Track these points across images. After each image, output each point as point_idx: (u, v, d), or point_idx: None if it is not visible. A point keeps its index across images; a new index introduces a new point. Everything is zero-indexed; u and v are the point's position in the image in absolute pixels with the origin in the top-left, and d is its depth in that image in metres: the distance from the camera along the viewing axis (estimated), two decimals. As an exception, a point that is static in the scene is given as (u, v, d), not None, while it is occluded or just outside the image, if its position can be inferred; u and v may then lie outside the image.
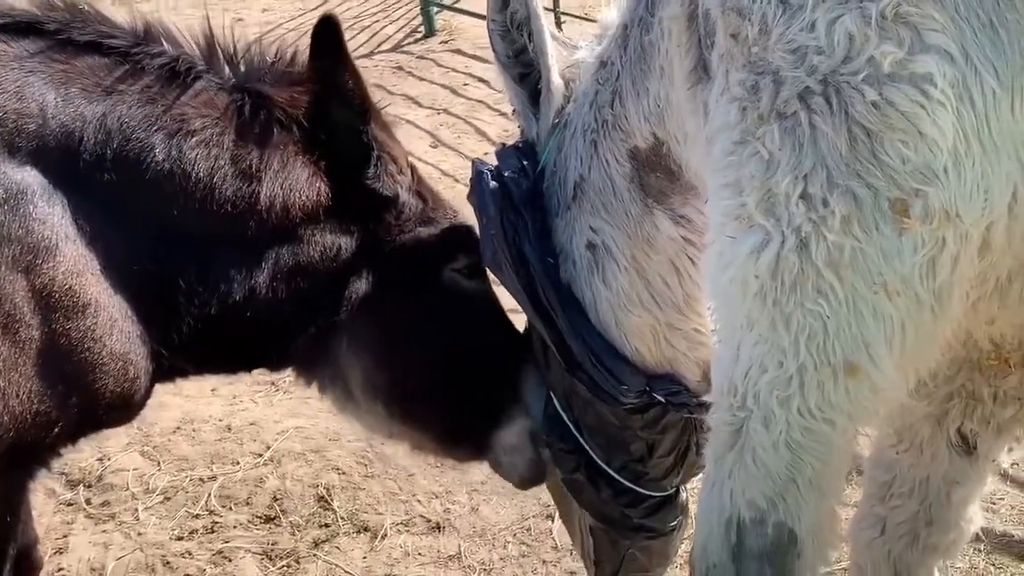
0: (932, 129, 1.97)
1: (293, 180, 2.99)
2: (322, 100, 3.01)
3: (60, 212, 2.73)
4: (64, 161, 2.78)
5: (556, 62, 2.98)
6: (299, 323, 3.10)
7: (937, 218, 2.00)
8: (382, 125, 3.18)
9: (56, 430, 2.85)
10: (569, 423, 3.11)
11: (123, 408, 3.03)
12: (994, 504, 4.41)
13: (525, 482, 3.42)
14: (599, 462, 3.10)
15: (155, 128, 2.88)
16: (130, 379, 2.94)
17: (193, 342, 3.02)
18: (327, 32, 2.94)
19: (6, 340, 2.62)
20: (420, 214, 3.19)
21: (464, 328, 3.23)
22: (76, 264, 2.73)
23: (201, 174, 2.90)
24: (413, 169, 3.23)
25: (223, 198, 2.92)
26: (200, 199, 2.90)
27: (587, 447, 3.10)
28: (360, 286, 3.11)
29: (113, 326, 2.81)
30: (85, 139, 2.81)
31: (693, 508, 3.32)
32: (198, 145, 2.91)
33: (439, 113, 9.07)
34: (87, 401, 2.85)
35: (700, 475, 3.03)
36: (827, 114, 2.01)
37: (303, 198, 3.01)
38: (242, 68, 3.09)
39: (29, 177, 2.71)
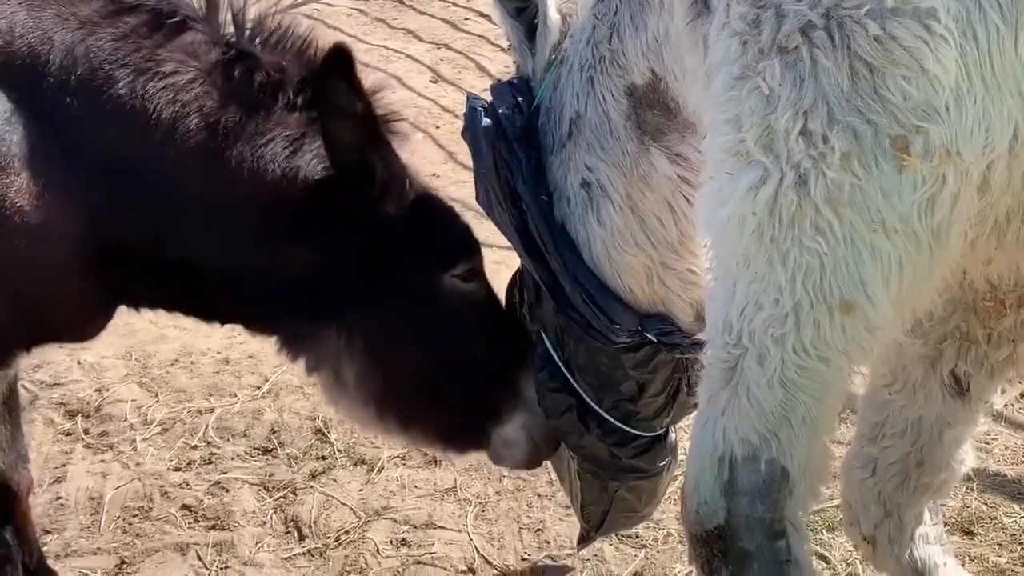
0: (935, 65, 1.95)
1: (267, 151, 2.86)
2: (322, 107, 2.86)
3: (19, 132, 2.72)
4: (27, 82, 2.75)
5: None
6: (266, 300, 3.02)
7: (937, 155, 1.99)
8: (383, 135, 3.01)
9: (9, 341, 2.94)
10: (559, 362, 3.10)
11: (76, 326, 3.10)
12: (987, 444, 4.44)
13: (520, 467, 3.45)
14: (589, 401, 3.10)
15: (123, 64, 2.82)
16: (80, 301, 2.97)
17: (147, 279, 3.00)
18: (340, 63, 2.80)
19: None
20: (421, 221, 3.07)
21: (463, 332, 3.16)
22: (30, 184, 2.72)
23: (163, 118, 2.81)
24: (413, 176, 3.11)
25: (183, 149, 2.83)
26: (159, 143, 2.81)
27: (577, 386, 3.09)
28: (356, 287, 3.01)
29: (64, 248, 2.79)
30: (51, 63, 2.76)
31: (683, 448, 3.34)
32: (165, 88, 2.82)
33: (439, 48, 8.99)
34: (38, 317, 2.90)
35: (691, 415, 3.05)
36: (829, 49, 1.99)
37: (278, 173, 2.88)
38: (245, 30, 2.99)
39: None
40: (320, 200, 2.93)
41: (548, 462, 3.52)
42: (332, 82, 2.82)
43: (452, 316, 3.12)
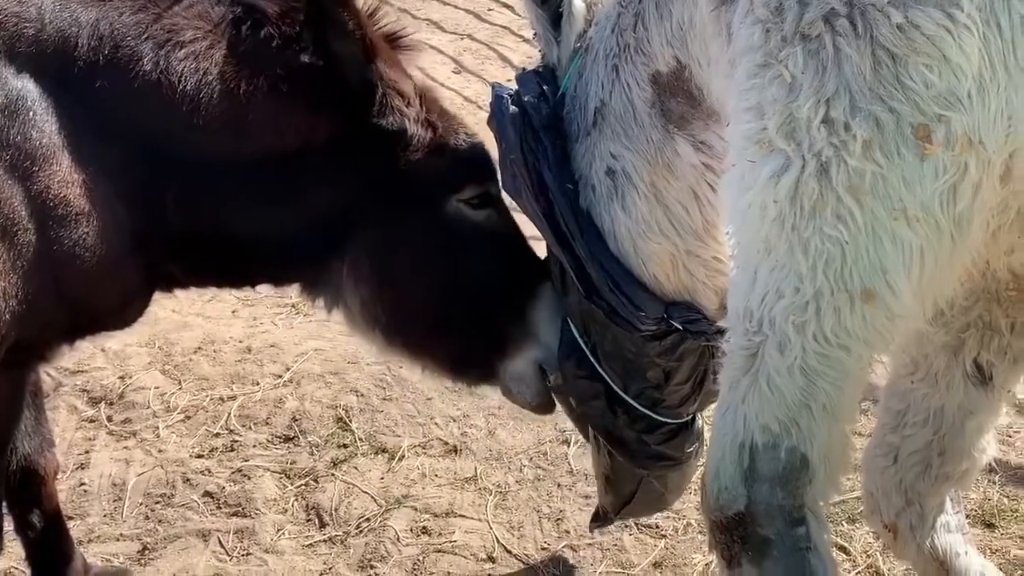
0: (957, 54, 1.96)
1: (286, 104, 2.90)
2: (320, 33, 2.89)
3: (56, 120, 2.73)
4: (60, 68, 2.76)
5: None
6: (294, 247, 3.06)
7: (959, 144, 1.99)
8: (386, 56, 3.05)
9: (53, 331, 2.95)
10: (586, 349, 3.11)
11: (117, 313, 3.11)
12: (1010, 437, 4.43)
13: (535, 409, 3.42)
14: (616, 388, 3.11)
15: (145, 37, 2.84)
16: (121, 286, 2.99)
17: (185, 255, 3.03)
18: None
19: (5, 243, 2.65)
20: (428, 144, 3.07)
21: (467, 261, 3.16)
22: (70, 173, 2.74)
23: (188, 88, 2.84)
24: (423, 97, 3.12)
25: (210, 115, 2.85)
26: (187, 113, 2.84)
27: (603, 373, 3.10)
28: (361, 216, 3.04)
29: (104, 235, 2.81)
30: (80, 45, 2.78)
31: (706, 436, 3.34)
32: (186, 58, 2.85)
33: (462, 38, 9.01)
34: (81, 305, 2.91)
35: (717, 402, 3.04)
36: (852, 37, 2.00)
37: (297, 123, 2.93)
38: None
39: (28, 84, 2.71)
40: (336, 132, 2.96)
41: (574, 445, 3.50)
42: None
43: (455, 243, 3.12)
